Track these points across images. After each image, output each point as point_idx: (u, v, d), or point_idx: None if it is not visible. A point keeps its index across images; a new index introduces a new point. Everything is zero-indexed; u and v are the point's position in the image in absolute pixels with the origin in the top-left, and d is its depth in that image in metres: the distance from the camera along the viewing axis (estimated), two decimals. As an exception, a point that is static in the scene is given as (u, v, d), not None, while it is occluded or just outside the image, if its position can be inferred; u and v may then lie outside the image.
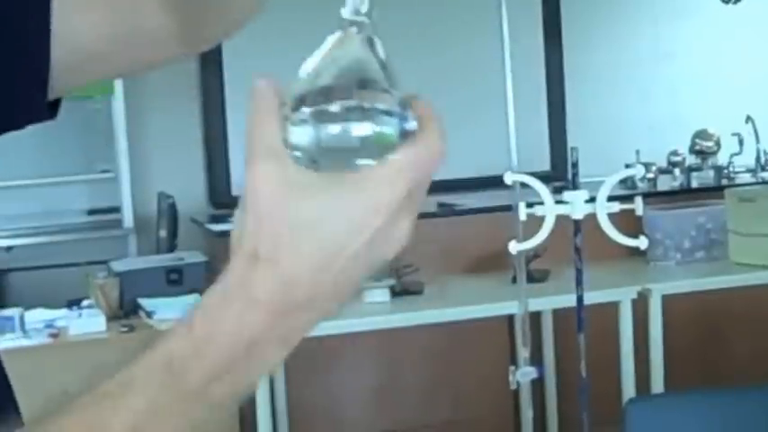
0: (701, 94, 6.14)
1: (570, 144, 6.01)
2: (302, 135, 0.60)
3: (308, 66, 0.61)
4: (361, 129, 0.59)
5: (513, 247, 2.82)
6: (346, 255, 0.58)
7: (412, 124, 0.61)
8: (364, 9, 0.62)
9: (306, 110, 0.60)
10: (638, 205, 2.68)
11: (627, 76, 6.14)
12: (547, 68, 6.00)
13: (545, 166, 5.89)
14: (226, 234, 4.27)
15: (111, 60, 0.92)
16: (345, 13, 0.62)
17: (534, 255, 3.63)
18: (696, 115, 5.74)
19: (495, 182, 5.45)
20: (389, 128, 0.60)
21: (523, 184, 3.05)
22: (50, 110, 0.91)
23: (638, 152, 5.03)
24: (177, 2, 0.90)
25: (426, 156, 0.60)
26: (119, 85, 5.26)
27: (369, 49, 0.62)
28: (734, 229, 4.02)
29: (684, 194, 4.73)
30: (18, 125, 0.89)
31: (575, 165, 2.96)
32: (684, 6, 6.19)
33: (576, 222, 2.87)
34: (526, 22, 5.77)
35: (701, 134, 5.14)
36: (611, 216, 2.89)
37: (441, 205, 4.81)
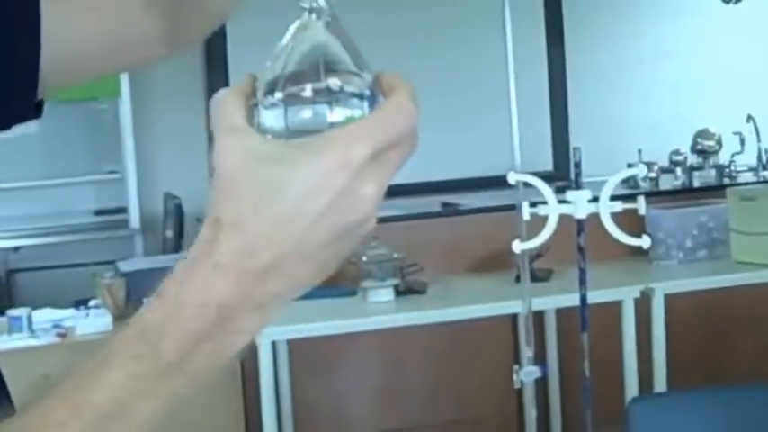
0: (702, 94, 6.16)
1: (573, 144, 6.03)
2: (273, 118, 0.61)
3: (275, 54, 0.62)
4: (332, 112, 0.60)
5: (517, 246, 2.83)
6: (308, 217, 0.58)
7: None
8: None
9: (277, 94, 0.61)
10: (641, 205, 2.69)
11: (628, 76, 6.16)
12: (549, 68, 6.02)
13: (548, 166, 5.91)
14: None
15: (98, 62, 0.95)
16: (304, 2, 0.63)
17: (537, 254, 3.64)
18: (697, 114, 5.76)
19: (499, 182, 5.47)
20: (359, 110, 0.61)
21: (526, 184, 3.07)
22: (35, 110, 0.94)
23: (640, 151, 5.04)
24: (163, 5, 0.94)
25: (392, 117, 0.59)
26: (125, 87, 5.29)
27: (331, 33, 0.62)
28: (736, 228, 4.03)
29: (686, 194, 4.73)
30: (7, 126, 0.91)
31: (577, 165, 2.98)
32: (685, 5, 6.21)
33: (580, 222, 2.88)
34: (528, 22, 5.79)
35: (703, 133, 5.15)
36: (614, 215, 2.90)
37: (444, 205, 4.84)
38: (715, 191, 4.58)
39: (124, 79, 5.27)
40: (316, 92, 0.60)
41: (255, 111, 0.62)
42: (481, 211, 4.47)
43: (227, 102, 0.62)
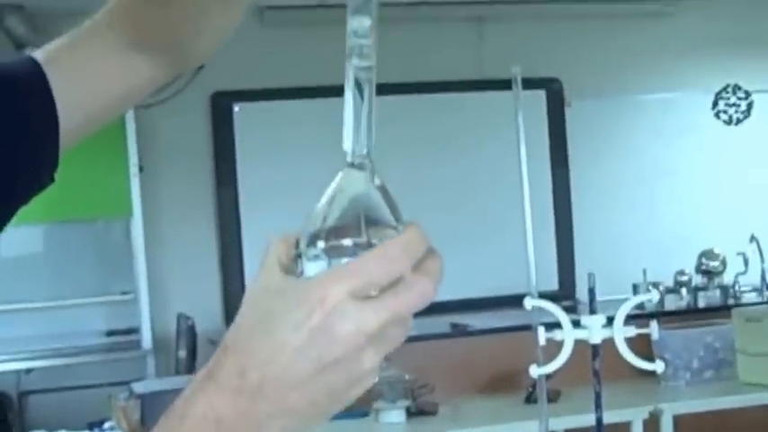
0: (705, 213, 6.23)
1: (578, 264, 6.10)
2: (317, 270, 0.65)
3: (318, 206, 0.66)
4: None
5: (534, 370, 2.89)
6: (290, 347, 0.62)
7: None
8: (364, 151, 0.67)
9: (320, 245, 0.65)
10: (654, 330, 2.75)
11: (632, 195, 6.24)
12: (554, 188, 6.11)
13: (553, 285, 5.95)
14: None
15: (106, 117, 1.05)
16: (348, 156, 0.67)
17: (547, 375, 3.67)
18: (701, 234, 5.82)
19: (507, 301, 5.51)
20: None
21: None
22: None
23: (645, 271, 5.08)
24: (166, 50, 1.02)
25: (373, 262, 0.63)
26: (137, 206, 5.33)
27: (372, 186, 0.66)
28: (741, 349, 4.05)
29: (692, 314, 4.75)
30: (27, 199, 1.01)
31: (592, 290, 3.05)
32: (687, 126, 6.33)
33: (595, 347, 2.95)
34: (533, 142, 5.90)
35: (707, 254, 5.20)
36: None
37: (453, 325, 4.88)
38: (720, 311, 4.60)
39: (135, 198, 5.33)
40: (357, 245, 0.64)
41: (299, 261, 0.66)
42: (491, 332, 4.49)
43: (272, 246, 0.67)
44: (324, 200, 0.66)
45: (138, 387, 3.90)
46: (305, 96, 5.69)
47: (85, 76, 1.00)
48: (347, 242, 0.64)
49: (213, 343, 5.19)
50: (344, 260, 0.63)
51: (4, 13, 5.35)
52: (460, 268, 5.77)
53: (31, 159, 0.98)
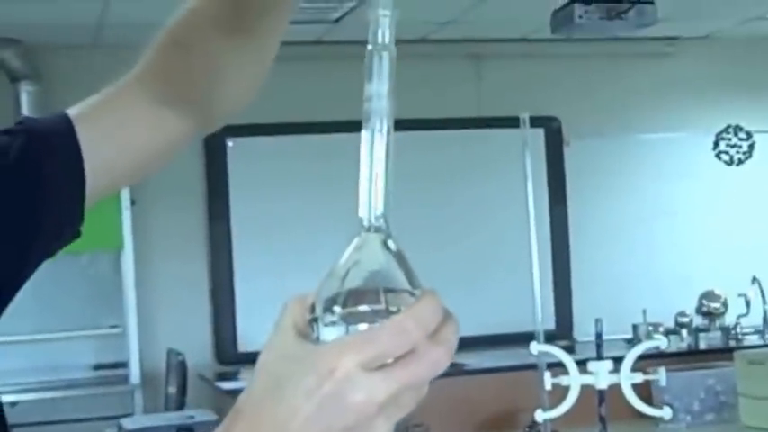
0: (705, 254, 6.22)
1: (575, 303, 6.08)
2: (333, 335, 0.64)
3: (335, 269, 0.65)
4: None
5: (540, 415, 2.90)
6: (301, 416, 0.62)
7: None
8: (379, 213, 0.67)
9: (337, 310, 0.64)
10: (662, 376, 2.77)
11: (631, 235, 6.23)
12: (551, 227, 6.10)
13: (549, 324, 5.90)
14: (235, 392, 4.19)
15: (134, 175, 1.08)
16: (364, 220, 0.67)
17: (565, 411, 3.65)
18: (702, 275, 5.79)
19: (505, 339, 5.45)
20: None
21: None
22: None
23: (644, 312, 5.06)
24: (195, 105, 1.03)
25: (385, 333, 0.62)
26: (128, 239, 5.32)
27: (389, 251, 0.66)
28: (744, 392, 4.01)
29: (693, 356, 4.75)
30: (56, 249, 1.05)
31: (599, 335, 3.07)
32: (687, 166, 6.33)
33: (601, 392, 2.94)
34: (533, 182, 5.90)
35: (708, 295, 5.20)
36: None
37: (450, 364, 4.82)
38: (721, 353, 4.57)
39: (127, 231, 5.31)
40: (375, 312, 0.64)
41: (315, 325, 0.65)
42: (488, 371, 4.48)
43: (288, 308, 0.66)
44: (341, 263, 0.66)
45: (127, 423, 3.83)
46: (299, 132, 5.73)
47: (114, 132, 1.03)
48: (364, 308, 0.64)
49: (203, 378, 5.12)
50: (361, 326, 0.63)
51: (0, 46, 5.38)
52: (460, 305, 5.70)
53: (56, 216, 1.01)
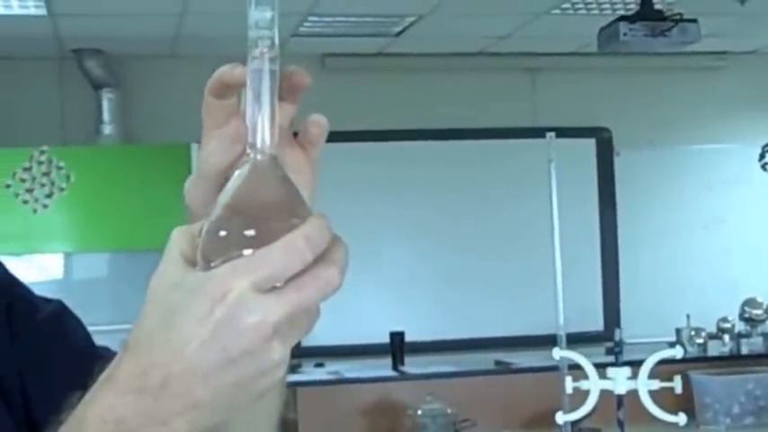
0: (750, 262, 6.29)
1: (623, 306, 6.20)
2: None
3: (221, 197, 0.64)
4: None
5: (560, 417, 3.02)
6: (194, 342, 0.61)
7: None
8: (269, 142, 0.65)
9: (222, 235, 0.63)
10: (678, 384, 2.83)
11: (679, 242, 6.32)
12: (601, 233, 6.24)
13: (599, 326, 6.06)
14: (295, 384, 4.36)
15: None
16: (255, 148, 0.65)
17: (585, 416, 3.78)
18: (745, 282, 5.88)
19: (551, 340, 5.58)
20: None
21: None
22: None
23: (688, 316, 5.16)
24: None
25: (274, 254, 0.61)
26: None
27: (278, 177, 0.65)
28: (782, 398, 4.13)
29: (734, 360, 4.83)
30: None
31: (618, 344, 3.17)
32: (736, 175, 6.41)
33: (619, 397, 3.02)
34: (582, 189, 6.06)
35: (750, 302, 5.28)
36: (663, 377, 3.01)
37: (497, 363, 5.01)
38: (762, 359, 4.69)
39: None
40: (261, 236, 0.63)
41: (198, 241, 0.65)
42: (533, 370, 4.58)
43: (174, 237, 0.66)
44: (228, 191, 0.64)
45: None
46: (361, 140, 5.78)
47: None
48: (250, 233, 0.62)
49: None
50: (246, 251, 0.62)
51: (84, 56, 5.64)
52: (505, 307, 5.92)
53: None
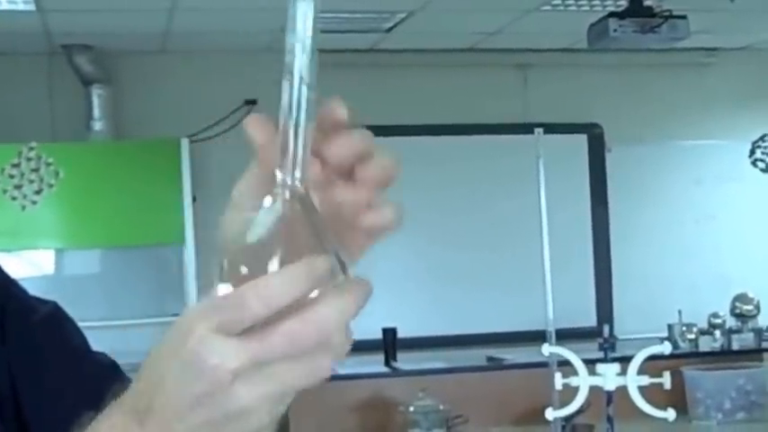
0: (741, 258, 6.33)
1: (615, 301, 6.23)
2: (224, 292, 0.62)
3: (246, 225, 0.63)
4: None
5: (550, 413, 3.03)
6: (169, 378, 0.61)
7: None
8: (299, 174, 0.63)
9: (225, 267, 0.62)
10: (667, 380, 2.83)
11: (670, 237, 6.36)
12: (593, 227, 6.27)
13: (591, 321, 6.08)
14: None
15: None
16: (286, 182, 0.63)
17: (578, 410, 3.79)
18: (736, 278, 5.90)
19: (542, 336, 5.59)
20: None
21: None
22: None
23: (680, 312, 5.17)
24: None
25: (240, 297, 0.59)
26: (189, 235, 5.52)
27: (300, 209, 0.62)
28: (773, 393, 4.14)
29: (725, 356, 4.83)
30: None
31: (606, 340, 3.18)
32: (727, 172, 6.44)
33: (609, 393, 3.03)
34: (574, 184, 6.08)
35: (741, 298, 5.29)
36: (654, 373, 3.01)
37: (490, 359, 5.02)
38: (753, 354, 4.69)
39: (188, 226, 5.51)
40: (254, 274, 0.61)
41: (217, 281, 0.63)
42: (524, 366, 4.57)
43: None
44: (250, 218, 0.63)
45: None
46: None
47: None
48: (244, 270, 0.61)
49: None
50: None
51: (73, 52, 5.62)
52: (496, 303, 5.92)
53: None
